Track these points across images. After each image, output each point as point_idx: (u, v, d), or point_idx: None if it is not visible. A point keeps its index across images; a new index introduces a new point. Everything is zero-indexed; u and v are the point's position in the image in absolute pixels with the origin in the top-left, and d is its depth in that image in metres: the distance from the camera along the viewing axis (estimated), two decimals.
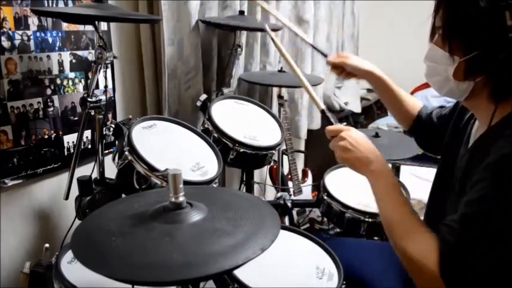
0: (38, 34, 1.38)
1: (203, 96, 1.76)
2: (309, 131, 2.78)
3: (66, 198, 1.37)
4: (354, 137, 1.04)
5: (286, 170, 2.44)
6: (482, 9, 0.86)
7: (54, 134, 1.47)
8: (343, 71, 1.41)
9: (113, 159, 1.35)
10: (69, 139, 1.52)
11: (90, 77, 1.52)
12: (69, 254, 1.13)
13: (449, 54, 0.93)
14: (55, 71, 1.45)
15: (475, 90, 0.94)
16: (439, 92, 1.02)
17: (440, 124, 1.26)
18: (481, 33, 0.88)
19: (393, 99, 1.37)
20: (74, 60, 1.50)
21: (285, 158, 2.37)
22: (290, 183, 2.42)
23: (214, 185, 1.34)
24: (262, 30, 2.17)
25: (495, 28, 0.86)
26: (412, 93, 3.70)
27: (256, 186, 2.07)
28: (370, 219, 1.49)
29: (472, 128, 1.06)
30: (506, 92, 0.92)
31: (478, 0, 0.86)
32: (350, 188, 1.64)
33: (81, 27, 1.50)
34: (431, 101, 3.46)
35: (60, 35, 1.44)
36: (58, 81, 1.46)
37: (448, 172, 1.06)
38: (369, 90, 3.83)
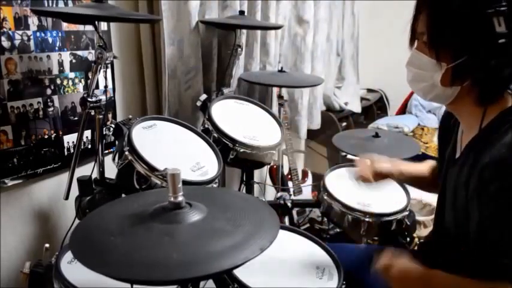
0: (38, 34, 1.38)
1: (203, 96, 1.76)
2: (309, 131, 2.78)
3: (66, 198, 1.37)
4: (398, 273, 1.02)
5: (286, 170, 2.44)
6: (471, 17, 0.87)
7: (54, 134, 1.47)
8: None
9: (113, 159, 1.35)
10: (69, 139, 1.52)
11: (90, 77, 1.52)
12: (69, 254, 1.13)
13: (436, 60, 0.93)
14: (55, 71, 1.45)
15: (461, 94, 0.95)
16: (424, 97, 1.03)
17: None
18: (469, 40, 0.89)
19: (420, 179, 1.32)
20: (74, 60, 1.50)
21: (285, 158, 2.37)
22: (290, 183, 2.42)
23: (214, 185, 1.34)
24: (262, 29, 2.18)
25: (484, 35, 0.87)
26: (412, 93, 3.70)
27: (256, 186, 2.07)
28: (370, 219, 1.49)
29: (457, 132, 1.06)
30: (493, 95, 0.93)
31: (465, 8, 0.87)
32: (350, 188, 1.64)
33: (81, 27, 1.50)
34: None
35: (60, 35, 1.44)
36: (58, 81, 1.46)
37: (442, 179, 1.08)
38: (368, 90, 3.83)
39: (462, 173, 0.96)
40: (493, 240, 0.88)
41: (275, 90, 2.26)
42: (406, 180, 1.45)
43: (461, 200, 0.95)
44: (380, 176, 1.30)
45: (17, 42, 1.32)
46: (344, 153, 2.03)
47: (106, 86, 1.53)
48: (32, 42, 1.36)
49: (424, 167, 1.33)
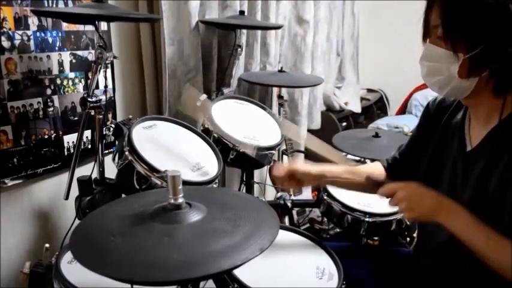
0: (38, 34, 1.38)
1: (203, 96, 1.76)
2: (309, 131, 2.78)
3: (66, 198, 1.37)
4: (410, 194, 1.01)
5: None
6: (488, 5, 0.86)
7: (54, 134, 1.47)
8: (291, 180, 1.22)
9: (113, 159, 1.35)
10: (69, 139, 1.52)
11: (90, 77, 1.52)
12: (69, 254, 1.13)
13: (452, 52, 0.92)
14: (55, 71, 1.45)
15: (478, 86, 0.94)
16: (440, 92, 1.01)
17: (405, 161, 1.24)
18: (486, 29, 0.88)
19: (358, 185, 1.23)
20: (74, 60, 1.50)
21: (285, 158, 2.37)
22: None
23: (214, 185, 1.34)
24: (262, 29, 2.18)
25: (501, 23, 0.86)
26: (412, 93, 3.71)
27: (256, 186, 2.07)
28: (370, 219, 1.49)
29: (464, 125, 1.05)
30: (511, 85, 0.92)
31: None
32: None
33: (81, 27, 1.50)
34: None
35: (60, 35, 1.44)
36: (58, 81, 1.46)
37: (449, 172, 1.06)
38: (368, 90, 3.83)
39: (485, 164, 0.95)
40: None
41: (275, 90, 2.25)
42: (339, 183, 1.28)
43: (487, 192, 0.94)
44: (295, 180, 1.19)
45: (17, 42, 1.32)
46: (344, 153, 2.03)
47: (106, 86, 1.52)
48: (32, 42, 1.36)
49: (369, 169, 1.27)
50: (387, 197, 1.04)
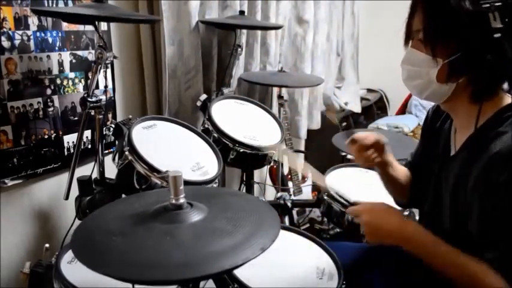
0: (38, 34, 1.38)
1: (203, 96, 1.76)
2: (309, 131, 2.78)
3: (66, 198, 1.37)
4: (372, 220, 1.04)
5: (286, 170, 2.44)
6: (466, 12, 0.88)
7: (54, 134, 1.47)
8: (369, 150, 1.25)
9: (113, 159, 1.35)
10: (69, 139, 1.52)
11: (90, 77, 1.52)
12: (69, 254, 1.13)
13: (432, 56, 0.94)
14: (55, 71, 1.45)
15: (456, 92, 0.96)
16: (419, 96, 1.03)
17: (417, 162, 1.26)
18: (465, 36, 0.90)
19: (396, 177, 1.29)
20: (74, 60, 1.50)
21: (285, 158, 2.37)
22: (290, 183, 2.42)
23: (214, 185, 1.34)
24: (262, 29, 2.18)
25: (479, 30, 0.88)
26: (410, 95, 3.71)
27: (256, 186, 2.07)
28: None
29: (450, 131, 1.07)
30: (489, 92, 0.94)
31: (461, 4, 0.88)
32: (350, 188, 1.64)
33: (81, 27, 1.50)
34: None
35: (60, 35, 1.44)
36: (58, 81, 1.46)
37: (435, 177, 1.08)
38: (368, 90, 3.83)
39: (462, 169, 0.96)
40: (494, 232, 0.88)
41: (275, 90, 2.26)
42: (388, 176, 1.30)
43: (462, 195, 0.95)
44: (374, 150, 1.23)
45: (17, 42, 1.32)
46: (344, 153, 2.04)
47: (106, 86, 1.53)
48: (32, 42, 1.36)
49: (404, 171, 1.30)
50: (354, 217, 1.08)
